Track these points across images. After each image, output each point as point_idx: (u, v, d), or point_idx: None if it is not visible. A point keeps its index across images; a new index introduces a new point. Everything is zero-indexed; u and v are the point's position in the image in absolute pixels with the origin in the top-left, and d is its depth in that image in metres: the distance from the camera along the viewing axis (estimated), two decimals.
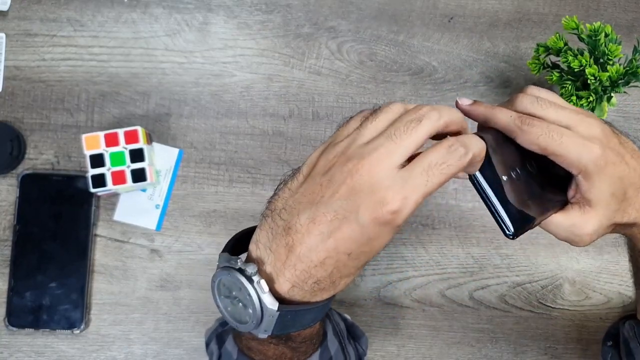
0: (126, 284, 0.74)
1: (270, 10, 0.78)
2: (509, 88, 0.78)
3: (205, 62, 0.77)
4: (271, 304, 0.39)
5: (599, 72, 0.64)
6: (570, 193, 0.46)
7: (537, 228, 0.46)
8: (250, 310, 0.39)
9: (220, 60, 0.77)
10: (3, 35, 0.76)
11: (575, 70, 0.65)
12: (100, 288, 0.74)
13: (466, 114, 0.44)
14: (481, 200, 0.42)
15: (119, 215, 0.75)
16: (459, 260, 0.76)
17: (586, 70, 0.64)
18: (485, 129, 0.46)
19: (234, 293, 0.40)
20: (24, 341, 0.73)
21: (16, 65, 0.76)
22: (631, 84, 0.67)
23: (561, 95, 0.68)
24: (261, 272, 0.40)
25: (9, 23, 0.76)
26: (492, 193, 0.41)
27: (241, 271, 0.39)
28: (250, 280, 0.39)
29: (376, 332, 0.75)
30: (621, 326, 0.68)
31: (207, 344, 0.56)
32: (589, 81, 0.64)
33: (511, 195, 0.42)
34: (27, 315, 0.72)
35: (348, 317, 0.62)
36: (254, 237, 0.41)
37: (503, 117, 0.44)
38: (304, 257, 0.38)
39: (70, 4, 0.77)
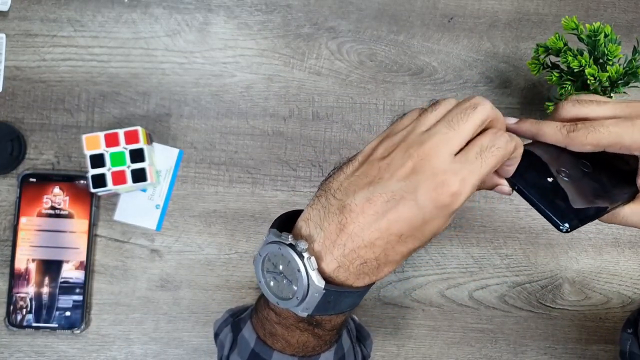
0: (126, 284, 0.74)
1: (270, 10, 0.78)
2: (508, 88, 0.78)
3: (206, 62, 0.77)
4: (319, 281, 0.40)
5: (598, 72, 0.64)
6: (638, 182, 0.46)
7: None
8: (296, 287, 0.40)
9: (220, 61, 0.77)
10: (3, 35, 0.76)
11: (575, 70, 0.65)
12: (100, 288, 0.74)
13: (513, 132, 0.45)
14: (525, 202, 0.43)
15: (119, 215, 0.75)
16: (458, 260, 0.76)
17: (586, 71, 0.64)
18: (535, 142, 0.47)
19: (280, 268, 0.41)
20: (24, 341, 0.73)
21: (16, 65, 0.76)
22: (631, 84, 0.67)
23: (561, 95, 0.68)
24: (310, 250, 0.40)
25: (9, 23, 0.76)
26: (536, 195, 0.42)
27: (292, 247, 0.40)
28: (301, 256, 0.40)
29: (376, 332, 0.75)
30: None
31: (216, 335, 0.56)
32: (588, 81, 0.65)
33: (562, 194, 0.43)
34: (27, 315, 0.72)
35: (356, 317, 0.62)
36: (304, 214, 0.42)
37: (549, 130, 0.45)
38: (355, 236, 0.39)
39: (70, 4, 0.77)
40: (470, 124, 0.40)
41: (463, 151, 0.39)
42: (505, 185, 0.45)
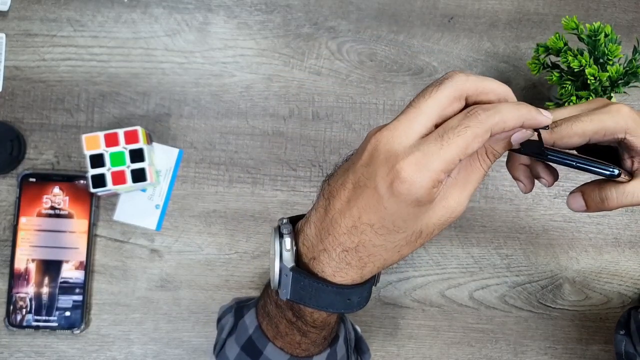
0: (126, 284, 0.74)
1: (270, 10, 0.78)
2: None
3: (205, 62, 0.77)
4: (287, 261, 0.40)
5: (598, 72, 0.64)
6: (628, 164, 0.45)
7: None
8: (272, 267, 0.42)
9: (220, 61, 0.77)
10: (3, 35, 0.76)
11: (575, 70, 0.65)
12: (100, 288, 0.74)
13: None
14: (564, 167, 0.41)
15: (119, 215, 0.75)
16: (459, 260, 0.76)
17: (586, 71, 0.64)
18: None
19: (270, 250, 0.43)
20: (24, 341, 0.73)
21: (16, 65, 0.76)
22: (631, 84, 0.67)
23: (561, 95, 0.68)
24: (304, 233, 0.41)
25: (9, 23, 0.76)
26: (574, 159, 0.40)
27: (278, 229, 0.41)
28: (281, 237, 0.41)
29: (376, 332, 0.75)
30: (633, 314, 0.68)
31: (219, 319, 0.56)
32: (588, 81, 0.64)
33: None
34: (27, 315, 0.72)
35: (358, 329, 0.61)
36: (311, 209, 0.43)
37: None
38: (333, 222, 0.39)
39: (70, 4, 0.77)
40: (433, 102, 0.36)
41: (429, 134, 0.36)
42: (522, 183, 0.44)
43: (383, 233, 0.38)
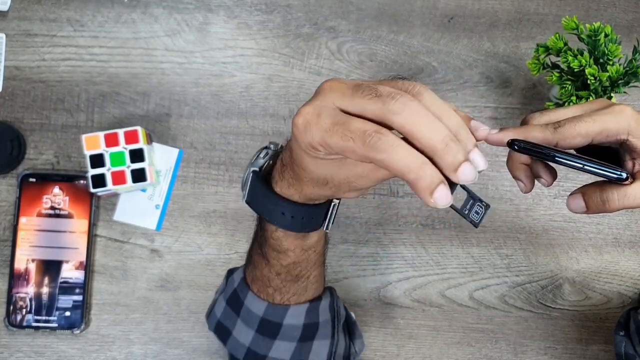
0: (126, 284, 0.74)
1: (270, 10, 0.78)
2: (508, 88, 0.78)
3: (205, 62, 0.77)
4: (256, 165, 0.48)
5: (598, 72, 0.64)
6: (629, 165, 0.45)
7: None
8: (246, 169, 0.49)
9: (220, 61, 0.77)
10: (3, 35, 0.76)
11: (575, 70, 0.65)
12: (100, 288, 0.74)
13: (496, 143, 0.41)
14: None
15: (119, 215, 0.75)
16: (458, 260, 0.76)
17: (586, 71, 0.64)
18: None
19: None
20: (24, 341, 0.73)
21: (16, 65, 0.76)
22: (631, 84, 0.67)
23: (561, 95, 0.68)
24: (286, 148, 0.45)
25: (9, 23, 0.76)
26: (582, 161, 0.40)
27: (267, 145, 0.49)
28: (265, 148, 0.49)
29: (376, 332, 0.75)
30: (632, 314, 0.68)
31: (212, 307, 0.62)
32: (588, 81, 0.64)
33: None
34: (27, 315, 0.72)
35: (353, 315, 0.63)
36: None
37: (537, 133, 0.42)
38: (289, 150, 0.43)
39: (70, 4, 0.77)
40: (359, 104, 0.36)
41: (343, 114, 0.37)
42: (522, 183, 0.45)
43: (296, 163, 0.41)
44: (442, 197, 0.34)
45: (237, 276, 0.58)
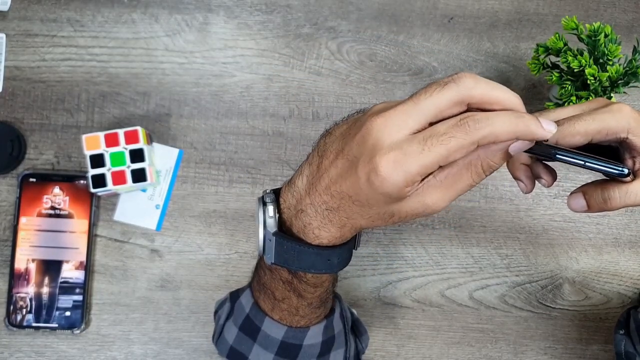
0: (126, 284, 0.74)
1: (270, 10, 0.78)
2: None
3: (205, 62, 0.77)
4: (271, 226, 0.43)
5: (598, 72, 0.64)
6: (629, 163, 0.45)
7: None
8: (258, 234, 0.44)
9: (220, 61, 0.77)
10: (3, 35, 0.76)
11: (575, 70, 0.65)
12: (100, 288, 0.74)
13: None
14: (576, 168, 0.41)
15: (119, 215, 0.75)
16: (458, 260, 0.76)
17: (586, 71, 0.64)
18: None
19: (256, 219, 0.46)
20: (24, 341, 0.73)
21: (16, 65, 0.76)
22: (631, 85, 0.67)
23: (561, 95, 0.68)
24: (295, 185, 0.43)
25: (9, 23, 0.76)
26: (584, 158, 0.40)
27: (262, 198, 0.44)
28: (264, 205, 0.44)
29: (376, 332, 0.75)
30: (632, 313, 0.68)
31: (216, 312, 0.59)
32: (588, 81, 0.65)
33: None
34: (27, 315, 0.72)
35: (355, 312, 0.63)
36: (303, 163, 0.44)
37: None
38: (323, 182, 0.40)
39: (70, 4, 0.77)
40: (432, 101, 0.36)
41: (417, 133, 0.36)
42: (522, 183, 0.44)
43: (358, 205, 0.39)
44: (549, 123, 0.36)
45: (245, 301, 0.54)
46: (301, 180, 0.42)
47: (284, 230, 0.44)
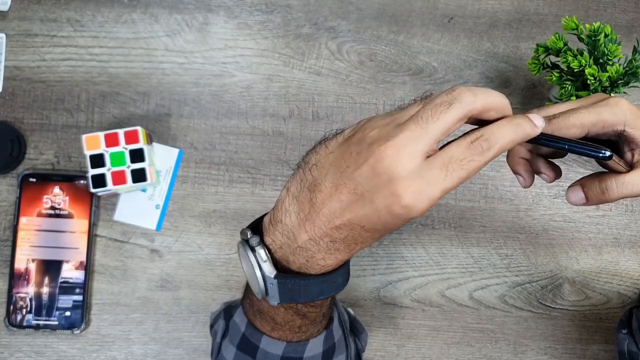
0: (126, 284, 0.74)
1: (270, 10, 0.78)
2: (508, 88, 0.78)
3: (205, 62, 0.77)
4: (269, 271, 0.42)
5: (598, 72, 0.64)
6: (628, 156, 0.45)
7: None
8: (256, 280, 0.42)
9: (220, 61, 0.77)
10: (3, 35, 0.76)
11: (575, 70, 0.65)
12: (100, 288, 0.74)
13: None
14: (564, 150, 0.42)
15: (119, 215, 0.75)
16: (458, 260, 0.76)
17: (586, 71, 0.64)
18: None
19: (243, 265, 0.44)
20: (24, 341, 0.73)
21: (16, 65, 0.76)
22: (631, 85, 0.67)
23: (560, 95, 0.68)
24: (282, 223, 0.41)
25: (9, 23, 0.76)
26: (566, 141, 0.41)
27: (247, 242, 0.42)
28: (253, 250, 0.42)
29: (376, 332, 0.75)
30: (635, 312, 0.68)
31: (212, 326, 0.57)
32: (588, 81, 0.65)
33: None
34: (27, 315, 0.72)
35: (351, 311, 0.63)
36: (287, 183, 0.43)
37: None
38: (323, 217, 0.39)
39: (70, 4, 0.77)
40: (441, 124, 0.36)
41: (431, 158, 0.36)
42: (521, 177, 0.45)
43: (371, 231, 0.39)
44: (538, 119, 0.39)
45: (239, 320, 0.53)
46: (289, 218, 0.41)
47: (280, 269, 0.43)
